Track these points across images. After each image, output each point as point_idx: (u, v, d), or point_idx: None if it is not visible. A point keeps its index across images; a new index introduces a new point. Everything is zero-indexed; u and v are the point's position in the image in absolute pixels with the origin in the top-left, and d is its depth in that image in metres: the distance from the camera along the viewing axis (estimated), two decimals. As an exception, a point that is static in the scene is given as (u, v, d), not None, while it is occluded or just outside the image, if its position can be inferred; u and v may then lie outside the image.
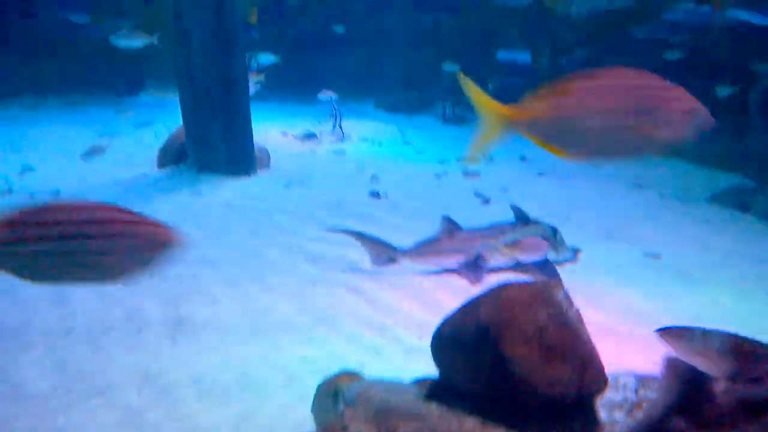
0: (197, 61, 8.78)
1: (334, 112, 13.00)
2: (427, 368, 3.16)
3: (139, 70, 16.92)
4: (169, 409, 3.64)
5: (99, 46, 15.94)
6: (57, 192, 7.88)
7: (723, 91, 11.28)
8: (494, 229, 5.95)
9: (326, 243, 6.57)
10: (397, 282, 5.63)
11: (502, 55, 16.31)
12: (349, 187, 9.21)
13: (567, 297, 2.78)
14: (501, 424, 2.70)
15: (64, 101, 15.22)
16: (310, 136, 12.46)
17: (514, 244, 5.73)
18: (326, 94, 12.61)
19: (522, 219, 6.10)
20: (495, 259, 5.83)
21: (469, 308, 2.93)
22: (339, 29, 17.20)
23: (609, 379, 2.73)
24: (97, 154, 8.30)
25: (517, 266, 5.86)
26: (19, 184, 8.32)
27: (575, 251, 6.45)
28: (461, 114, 16.45)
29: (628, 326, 4.93)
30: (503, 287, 2.87)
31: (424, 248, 5.77)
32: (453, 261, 5.82)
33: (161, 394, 3.77)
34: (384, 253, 5.70)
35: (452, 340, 2.93)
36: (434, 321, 3.11)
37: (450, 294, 5.31)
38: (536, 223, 6.15)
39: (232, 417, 3.61)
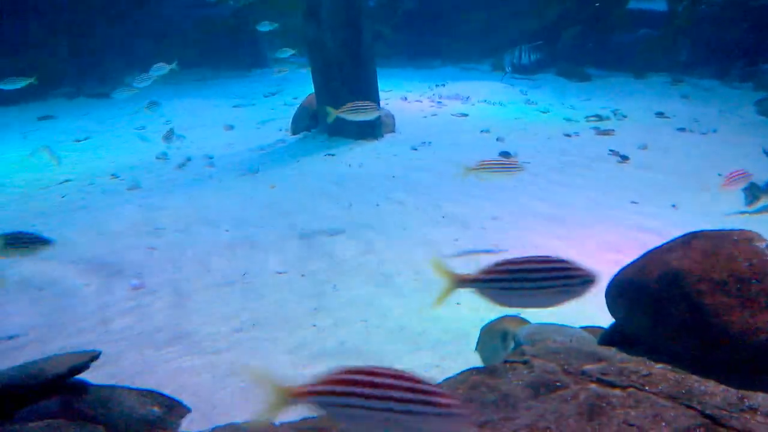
0: (327, 33, 9.06)
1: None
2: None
3: (263, 47, 17.69)
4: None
5: (225, 24, 16.80)
6: (211, 157, 8.52)
7: None
8: None
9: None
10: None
11: (634, 5, 15.24)
12: (476, 148, 9.15)
13: (769, 246, 2.64)
14: (691, 373, 2.65)
15: (195, 77, 16.24)
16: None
17: None
18: None
19: None
20: None
21: (654, 257, 2.87)
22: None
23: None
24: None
25: None
26: (175, 150, 9.08)
27: None
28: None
29: None
30: (695, 236, 2.78)
31: None
32: None
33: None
34: None
35: (633, 288, 2.89)
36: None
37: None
38: None
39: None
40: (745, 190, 6.41)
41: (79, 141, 10.09)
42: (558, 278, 2.16)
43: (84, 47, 14.87)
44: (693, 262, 2.66)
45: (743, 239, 2.67)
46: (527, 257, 2.21)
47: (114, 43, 15.38)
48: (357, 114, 7.03)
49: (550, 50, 16.23)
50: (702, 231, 2.81)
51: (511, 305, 2.24)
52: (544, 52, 15.60)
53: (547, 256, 2.20)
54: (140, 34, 16.03)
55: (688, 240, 2.78)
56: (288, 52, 11.24)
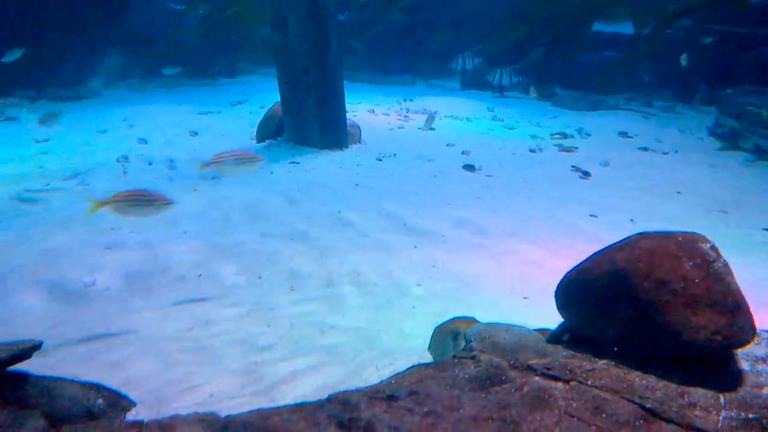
0: (294, 42, 9.07)
1: None
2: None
3: (233, 55, 17.62)
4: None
5: (193, 33, 16.68)
6: (172, 160, 8.39)
7: None
8: None
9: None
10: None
11: (599, 27, 15.60)
12: (440, 160, 9.23)
13: (714, 248, 2.70)
14: (634, 369, 2.67)
15: (163, 83, 16.07)
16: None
17: None
18: None
19: None
20: None
21: (603, 257, 2.91)
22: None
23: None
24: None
25: None
26: (136, 153, 8.91)
27: None
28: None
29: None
30: (642, 236, 2.83)
31: None
32: None
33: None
34: None
35: (582, 287, 2.92)
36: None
37: None
38: None
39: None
40: None
41: (38, 142, 9.85)
42: None
43: (44, 54, 14.49)
44: (639, 261, 2.70)
45: (688, 240, 2.73)
46: None
47: (80, 51, 15.17)
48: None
49: (519, 69, 16.57)
50: (649, 232, 2.87)
51: None
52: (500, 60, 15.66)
53: None
54: (109, 43, 15.84)
55: (636, 240, 2.84)
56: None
